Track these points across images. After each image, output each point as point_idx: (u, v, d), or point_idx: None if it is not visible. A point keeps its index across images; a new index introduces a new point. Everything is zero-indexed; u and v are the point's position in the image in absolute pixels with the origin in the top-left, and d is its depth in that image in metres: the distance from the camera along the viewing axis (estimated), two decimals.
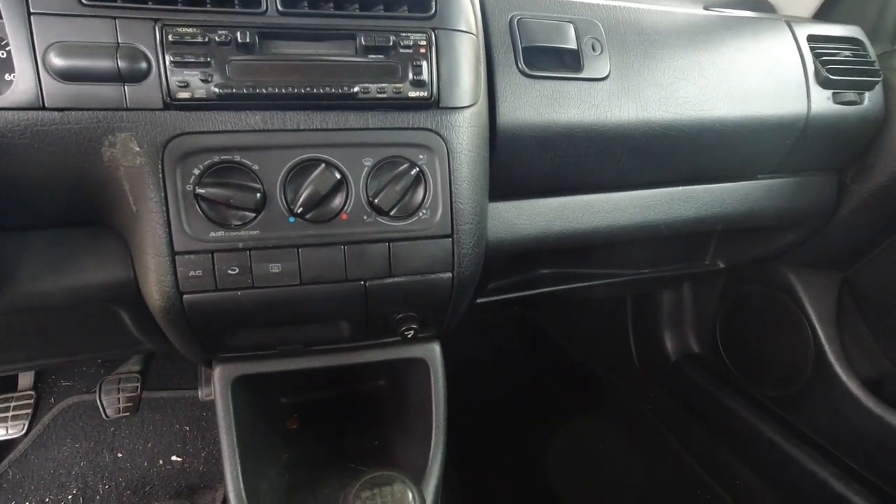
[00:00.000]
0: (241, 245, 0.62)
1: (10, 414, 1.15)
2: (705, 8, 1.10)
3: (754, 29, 0.95)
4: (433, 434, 0.87)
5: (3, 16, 0.53)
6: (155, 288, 0.63)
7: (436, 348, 0.87)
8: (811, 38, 0.97)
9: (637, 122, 0.82)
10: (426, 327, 0.80)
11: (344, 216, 0.65)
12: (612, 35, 0.82)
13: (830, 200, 1.12)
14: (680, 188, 0.96)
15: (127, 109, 0.57)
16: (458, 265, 0.71)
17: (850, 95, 0.96)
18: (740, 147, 0.94)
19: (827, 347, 1.25)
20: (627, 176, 0.90)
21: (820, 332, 1.26)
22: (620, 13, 0.84)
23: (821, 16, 1.13)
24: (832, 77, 0.94)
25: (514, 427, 1.63)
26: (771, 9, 1.18)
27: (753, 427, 1.40)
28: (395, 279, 0.68)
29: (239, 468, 0.80)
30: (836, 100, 0.96)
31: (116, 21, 0.55)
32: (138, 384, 1.16)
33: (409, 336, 0.75)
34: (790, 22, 0.98)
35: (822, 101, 0.95)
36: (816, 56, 0.96)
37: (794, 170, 1.06)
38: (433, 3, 0.64)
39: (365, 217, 0.65)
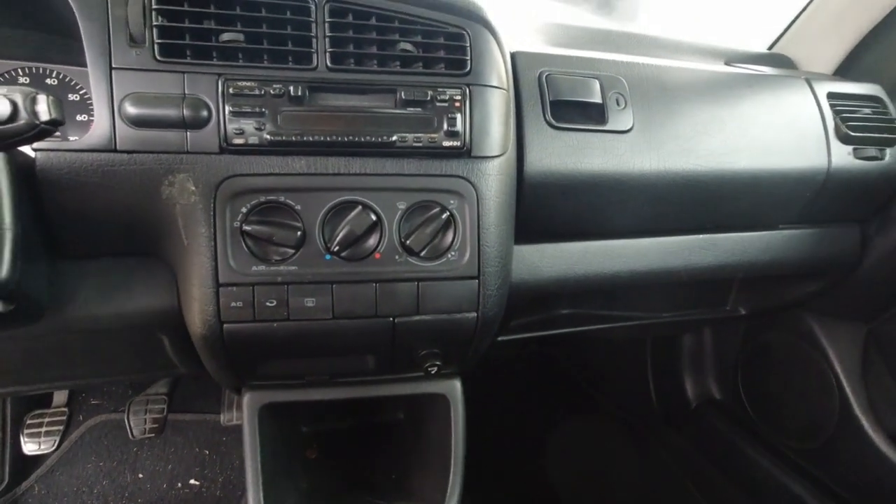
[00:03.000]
0: (279, 279, 0.66)
1: (43, 430, 1.19)
2: (727, 63, 1.14)
3: (774, 86, 0.98)
4: (451, 469, 0.88)
5: (88, 68, 0.60)
6: (198, 316, 0.67)
7: (457, 385, 0.89)
8: (831, 96, 1.00)
9: (659, 173, 0.85)
10: (449, 364, 0.82)
11: (377, 255, 0.68)
12: (636, 90, 0.86)
13: (853, 251, 1.12)
14: (701, 236, 0.98)
15: (187, 153, 0.63)
16: (483, 305, 0.73)
17: (872, 151, 0.98)
18: (761, 198, 0.96)
19: (852, 400, 1.22)
20: (649, 223, 0.93)
21: (845, 384, 1.24)
22: (644, 70, 0.89)
23: (841, 73, 1.17)
24: (852, 133, 0.96)
25: (529, 464, 1.61)
26: (792, 65, 1.22)
27: (775, 479, 1.36)
28: (423, 317, 0.71)
29: (262, 495, 0.81)
30: (858, 155, 0.98)
31: (185, 75, 0.61)
32: (165, 406, 1.20)
33: (433, 372, 0.78)
34: (810, 80, 1.01)
35: (843, 156, 0.97)
36: (837, 113, 0.98)
37: (816, 220, 1.07)
38: (468, 61, 0.70)
39: (397, 257, 0.69)
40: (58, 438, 1.19)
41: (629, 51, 1.01)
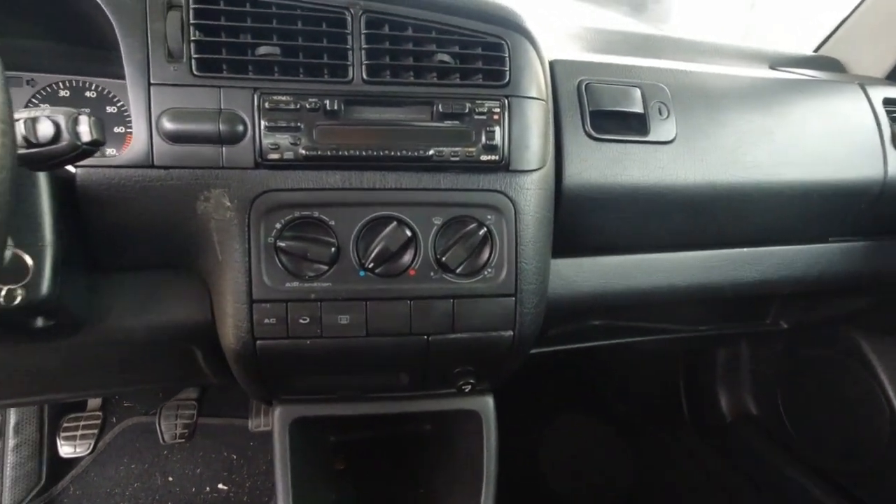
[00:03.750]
0: (313, 296, 0.65)
1: (79, 433, 1.22)
2: (771, 67, 1.09)
3: (825, 91, 0.93)
4: (483, 488, 0.86)
5: (127, 84, 0.59)
6: (231, 332, 0.66)
7: (489, 402, 0.87)
8: (887, 101, 0.94)
9: (702, 185, 0.81)
10: (482, 381, 0.80)
11: (412, 272, 0.67)
12: (679, 99, 0.82)
13: None
14: (745, 250, 0.93)
15: (222, 168, 0.62)
16: (520, 323, 0.71)
17: None
18: (810, 211, 0.91)
19: None
20: (690, 237, 0.89)
21: None
22: (687, 77, 0.85)
23: (894, 77, 1.10)
24: None
25: (555, 477, 1.58)
26: (841, 68, 1.16)
27: (816, 500, 1.30)
28: (458, 335, 0.70)
29: None
30: None
31: (221, 90, 0.61)
32: (194, 412, 1.21)
33: (467, 390, 0.76)
34: (864, 84, 0.96)
35: None
36: (894, 120, 0.93)
37: (869, 233, 1.01)
38: (507, 72, 0.67)
39: (432, 274, 0.67)
40: (93, 442, 1.22)
41: (669, 56, 0.97)
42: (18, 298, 0.51)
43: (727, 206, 0.85)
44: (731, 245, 0.93)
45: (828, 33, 1.22)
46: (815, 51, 1.23)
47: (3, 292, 0.50)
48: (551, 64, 0.78)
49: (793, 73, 1.03)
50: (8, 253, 0.49)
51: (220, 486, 1.36)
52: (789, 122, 0.88)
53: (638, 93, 0.80)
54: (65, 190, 0.58)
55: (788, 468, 1.38)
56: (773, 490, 1.40)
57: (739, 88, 0.88)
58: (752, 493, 1.45)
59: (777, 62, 1.13)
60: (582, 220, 0.80)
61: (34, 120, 0.43)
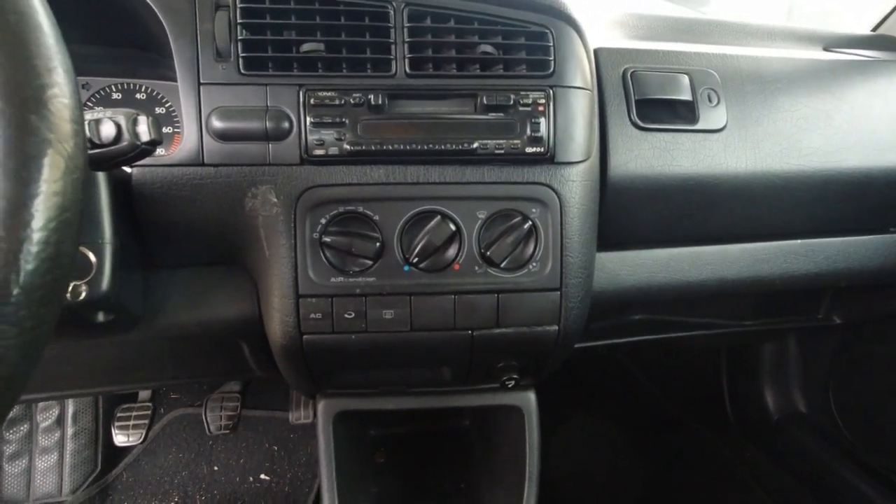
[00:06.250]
0: (358, 291, 0.66)
1: (131, 423, 1.27)
2: (825, 49, 1.04)
3: (888, 72, 0.88)
4: (526, 485, 0.85)
5: (178, 84, 0.61)
6: (278, 327, 0.67)
7: (531, 397, 0.86)
8: None
9: (755, 174, 0.78)
10: (525, 376, 0.79)
11: (456, 266, 0.66)
12: (730, 84, 0.79)
13: None
14: (798, 241, 0.89)
15: (269, 165, 0.63)
16: (565, 318, 0.70)
17: None
18: (871, 199, 0.87)
19: None
20: (741, 228, 0.86)
21: None
22: (738, 62, 0.81)
23: None
24: None
25: (596, 475, 1.56)
26: None
27: (873, 502, 1.24)
28: (502, 330, 0.69)
29: (336, 499, 0.82)
30: None
31: (268, 87, 0.61)
32: (238, 403, 1.24)
33: (510, 385, 0.75)
34: None
35: None
36: None
37: None
38: (552, 62, 0.66)
39: (476, 268, 0.67)
40: (144, 431, 1.27)
41: (717, 40, 0.93)
42: (83, 294, 0.53)
43: (782, 196, 0.81)
44: (784, 236, 0.89)
45: (887, 11, 1.14)
46: (874, 30, 1.16)
47: (69, 288, 0.52)
48: (595, 52, 0.76)
49: (850, 53, 0.97)
50: None
51: (263, 476, 1.40)
52: (849, 106, 0.83)
53: (686, 79, 0.77)
54: (121, 189, 0.60)
55: (843, 468, 1.32)
56: (827, 490, 1.34)
57: (793, 71, 0.84)
58: (803, 491, 1.39)
59: (832, 43, 1.07)
60: (627, 212, 0.78)
61: (97, 121, 0.44)
